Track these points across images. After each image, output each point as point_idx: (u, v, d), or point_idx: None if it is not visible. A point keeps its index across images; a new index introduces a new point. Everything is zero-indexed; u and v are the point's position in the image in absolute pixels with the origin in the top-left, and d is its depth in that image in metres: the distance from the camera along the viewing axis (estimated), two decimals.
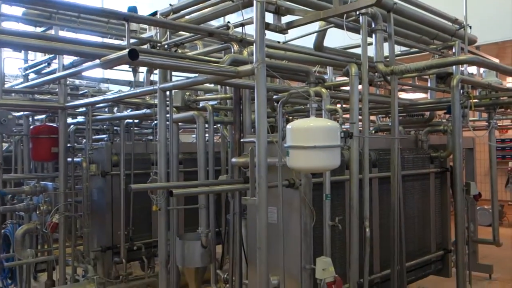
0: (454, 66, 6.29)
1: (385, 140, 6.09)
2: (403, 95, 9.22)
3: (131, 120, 7.84)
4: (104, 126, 8.37)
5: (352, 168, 4.77)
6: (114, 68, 10.25)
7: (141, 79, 7.39)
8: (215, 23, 5.93)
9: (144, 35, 5.98)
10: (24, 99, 7.40)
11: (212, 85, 6.98)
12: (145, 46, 4.79)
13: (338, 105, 8.20)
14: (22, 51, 7.50)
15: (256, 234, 5.17)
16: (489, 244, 8.03)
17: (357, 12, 4.73)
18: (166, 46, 4.73)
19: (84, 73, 8.83)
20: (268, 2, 4.12)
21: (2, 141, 7.31)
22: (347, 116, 5.08)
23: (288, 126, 3.94)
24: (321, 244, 5.04)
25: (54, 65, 6.79)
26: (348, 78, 5.27)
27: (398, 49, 7.02)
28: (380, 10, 5.09)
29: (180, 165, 8.25)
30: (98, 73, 12.04)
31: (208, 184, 4.88)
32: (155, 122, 5.56)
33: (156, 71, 5.29)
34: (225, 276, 5.84)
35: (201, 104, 5.88)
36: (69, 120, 8.35)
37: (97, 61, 4.21)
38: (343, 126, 4.97)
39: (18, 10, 5.98)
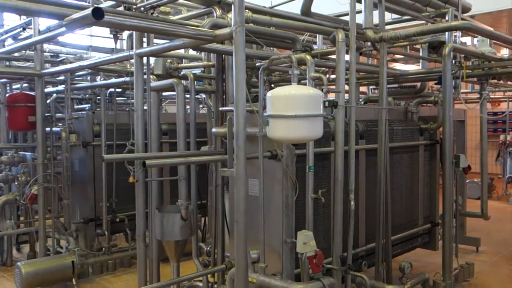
0: (446, 35, 6.05)
1: (373, 111, 5.89)
2: (395, 66, 8.99)
3: (113, 89, 7.59)
4: (87, 96, 8.11)
5: (337, 139, 4.60)
6: (99, 35, 9.92)
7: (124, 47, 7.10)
8: None
9: None
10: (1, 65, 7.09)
11: (197, 53, 6.73)
12: (120, 8, 4.50)
13: (327, 76, 7.99)
14: None
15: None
16: (477, 218, 7.95)
17: None
18: (142, 8, 4.45)
19: (68, 41, 8.54)
20: None
21: None
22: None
23: (268, 94, 3.73)
24: (305, 218, 4.93)
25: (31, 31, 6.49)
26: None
27: (389, 16, 6.76)
28: None
29: (165, 136, 8.08)
30: (84, 40, 11.68)
31: (185, 155, 4.68)
32: None
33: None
34: (208, 248, 5.72)
35: (183, 72, 5.63)
36: (50, 89, 8.11)
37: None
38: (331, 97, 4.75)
39: None
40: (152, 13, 4.41)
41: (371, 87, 9.28)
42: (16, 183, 7.01)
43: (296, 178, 4.46)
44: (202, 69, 6.29)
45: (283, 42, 5.80)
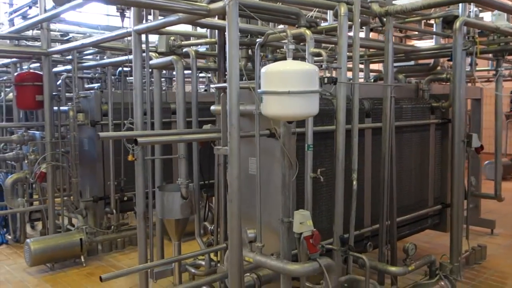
0: (460, 8, 5.79)
1: (382, 89, 5.71)
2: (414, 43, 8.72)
3: (121, 68, 7.54)
4: (96, 75, 8.10)
5: (338, 117, 4.47)
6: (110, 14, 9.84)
7: None
8: None
9: None
10: (9, 45, 7.12)
11: (203, 30, 6.62)
12: None
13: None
14: None
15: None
16: (490, 199, 7.73)
17: None
18: None
19: (83, 20, 8.50)
20: None
21: None
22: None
23: (262, 69, 3.62)
24: (317, 199, 4.85)
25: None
26: None
27: None
28: None
29: (173, 115, 8.03)
30: (102, 21, 11.64)
31: (178, 133, 4.62)
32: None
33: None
34: (211, 228, 5.71)
35: (185, 49, 5.54)
36: (61, 68, 8.14)
37: None
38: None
39: None
40: None
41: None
42: (26, 162, 7.10)
43: (297, 157, 4.37)
44: (208, 46, 6.19)
45: (288, 18, 5.64)
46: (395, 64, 7.68)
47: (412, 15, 6.41)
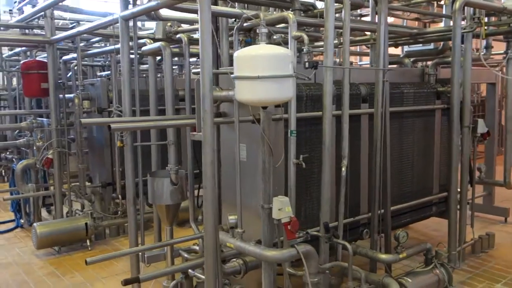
0: None
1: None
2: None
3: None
4: (107, 62, 8.21)
5: (324, 102, 4.38)
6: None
7: None
8: None
9: None
10: (15, 34, 7.29)
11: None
12: None
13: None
14: None
15: (226, 172, 5.05)
16: (499, 186, 7.46)
17: None
18: None
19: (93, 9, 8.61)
20: None
21: None
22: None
23: (234, 54, 3.57)
24: (300, 184, 4.81)
25: None
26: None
27: None
28: None
29: (182, 102, 8.06)
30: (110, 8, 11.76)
31: (155, 120, 4.64)
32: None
33: None
34: None
35: (179, 35, 5.52)
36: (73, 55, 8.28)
37: None
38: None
39: None
40: None
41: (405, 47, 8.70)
42: (35, 148, 7.29)
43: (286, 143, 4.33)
44: None
45: (284, 1, 5.54)
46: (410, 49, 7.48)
47: None
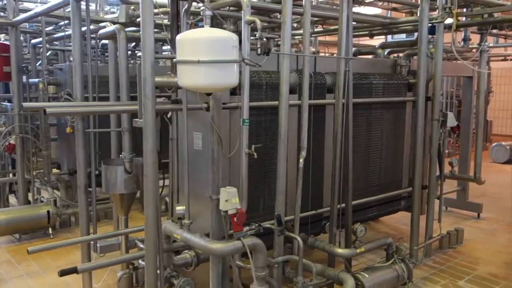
0: None
1: (356, 63, 5.37)
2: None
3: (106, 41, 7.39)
4: None
5: (281, 91, 4.22)
6: None
7: None
8: None
9: None
10: None
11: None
12: None
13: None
14: None
15: (181, 160, 4.89)
16: (470, 181, 7.37)
17: None
18: None
19: None
20: None
21: None
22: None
23: (177, 37, 3.41)
24: (259, 175, 4.69)
25: None
26: None
27: None
28: None
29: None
30: None
31: (94, 105, 4.48)
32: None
33: None
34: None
35: (139, 19, 5.33)
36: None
37: None
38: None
39: None
40: None
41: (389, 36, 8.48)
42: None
43: (251, 133, 4.18)
44: None
45: None
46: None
47: None
